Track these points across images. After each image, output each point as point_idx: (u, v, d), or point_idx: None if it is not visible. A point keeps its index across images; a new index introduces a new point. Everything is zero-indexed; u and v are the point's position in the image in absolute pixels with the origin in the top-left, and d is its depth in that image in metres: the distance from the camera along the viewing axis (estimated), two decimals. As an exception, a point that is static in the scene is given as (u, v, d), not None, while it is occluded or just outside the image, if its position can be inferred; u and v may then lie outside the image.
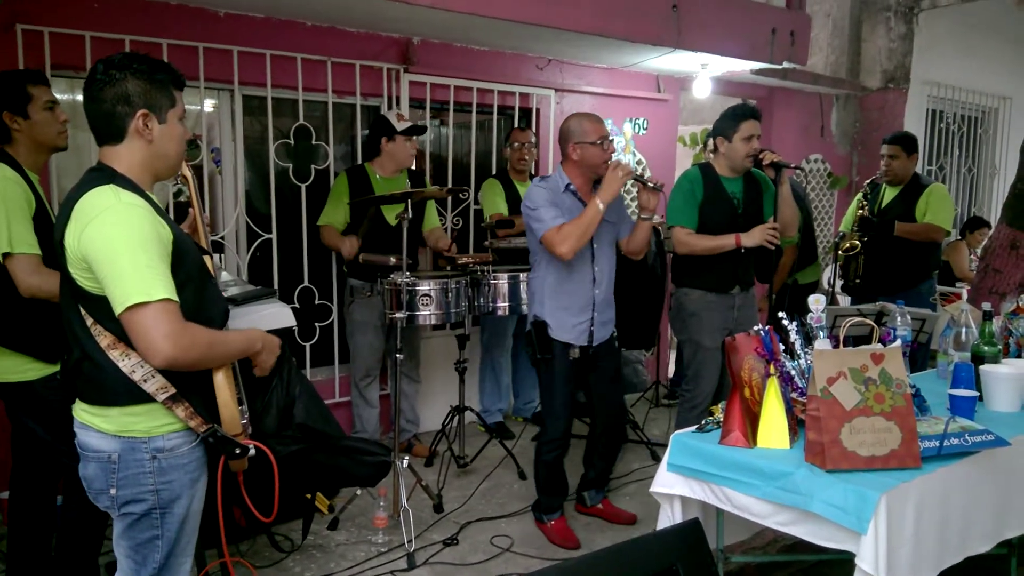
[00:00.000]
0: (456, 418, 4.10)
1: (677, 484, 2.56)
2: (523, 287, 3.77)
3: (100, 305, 1.72)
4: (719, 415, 2.81)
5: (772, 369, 2.47)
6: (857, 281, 4.68)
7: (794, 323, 2.59)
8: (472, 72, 4.69)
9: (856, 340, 2.55)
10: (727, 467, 2.40)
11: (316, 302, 4.35)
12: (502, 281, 3.76)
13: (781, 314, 2.61)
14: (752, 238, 3.51)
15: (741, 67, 5.19)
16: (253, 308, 2.51)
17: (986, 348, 2.98)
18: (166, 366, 1.68)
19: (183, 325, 1.68)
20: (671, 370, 5.89)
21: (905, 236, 4.50)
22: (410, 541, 3.15)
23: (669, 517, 2.64)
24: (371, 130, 4.09)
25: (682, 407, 3.84)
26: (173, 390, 1.77)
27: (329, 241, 3.97)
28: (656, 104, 5.68)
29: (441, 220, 4.61)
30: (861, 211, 4.68)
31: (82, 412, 1.83)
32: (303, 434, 2.58)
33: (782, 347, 2.57)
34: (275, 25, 3.96)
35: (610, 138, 3.22)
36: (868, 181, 4.77)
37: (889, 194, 4.71)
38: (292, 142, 4.16)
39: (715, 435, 2.55)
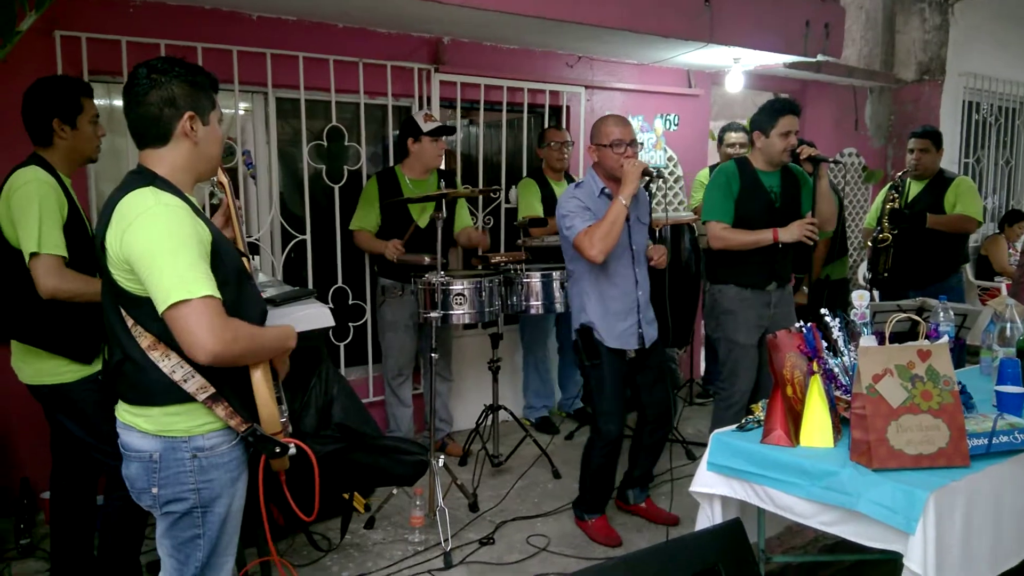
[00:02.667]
0: (490, 417, 4.09)
1: (717, 484, 2.53)
2: (556, 285, 3.75)
3: (141, 306, 1.74)
4: (759, 413, 2.78)
5: (815, 367, 2.43)
6: (885, 275, 4.62)
7: (837, 319, 2.54)
8: (502, 71, 4.68)
9: (894, 337, 2.50)
10: (769, 466, 2.37)
11: (350, 302, 4.36)
12: (535, 280, 3.74)
13: (823, 310, 2.57)
14: (790, 233, 3.45)
15: (774, 61, 5.12)
16: (292, 308, 2.52)
17: (1032, 343, 2.91)
18: (210, 361, 1.68)
19: (225, 320, 1.69)
20: (702, 367, 5.83)
21: (937, 228, 4.47)
22: (446, 540, 3.14)
23: (708, 517, 2.61)
24: (400, 132, 4.09)
25: (718, 405, 3.79)
26: (212, 389, 1.78)
27: (366, 245, 3.99)
28: (687, 100, 5.63)
29: (472, 220, 4.61)
30: (892, 204, 4.61)
31: (124, 413, 1.85)
32: (341, 433, 2.60)
33: (824, 344, 2.52)
34: (307, 27, 3.99)
35: (632, 141, 3.14)
36: (899, 174, 4.70)
37: (914, 188, 4.67)
38: (325, 143, 4.18)
39: (756, 434, 2.52)
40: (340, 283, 4.31)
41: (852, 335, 2.55)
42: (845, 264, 5.00)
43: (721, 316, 3.68)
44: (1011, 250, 6.93)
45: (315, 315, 2.56)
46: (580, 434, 4.64)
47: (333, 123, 4.15)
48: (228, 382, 1.80)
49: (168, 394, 1.78)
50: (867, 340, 2.37)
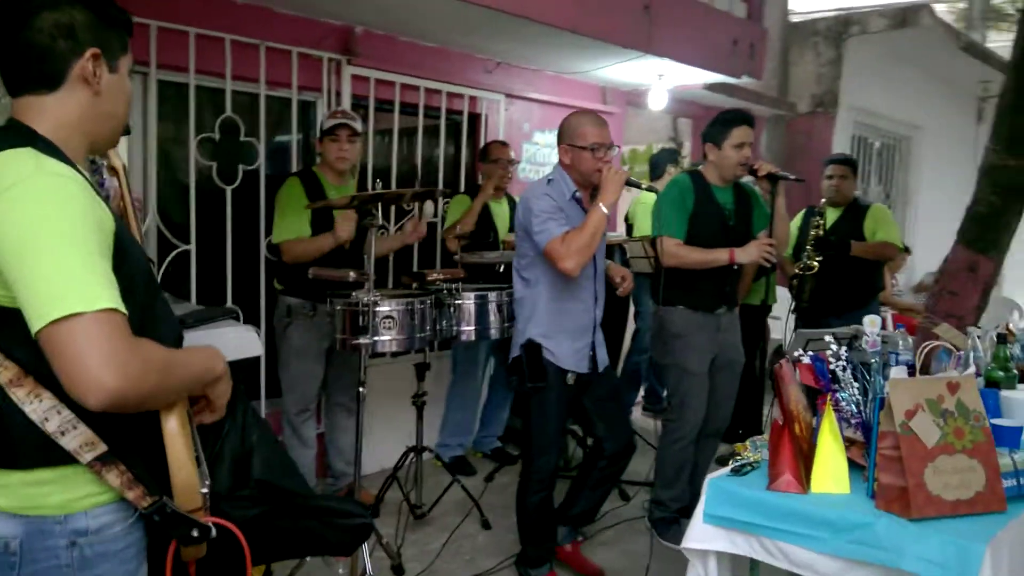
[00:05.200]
0: (411, 459, 3.56)
1: (716, 538, 2.19)
2: (492, 308, 3.32)
3: (2, 322, 1.18)
4: (749, 454, 2.47)
5: (829, 402, 2.14)
6: (806, 303, 4.56)
7: (843, 348, 2.26)
8: (418, 70, 4.23)
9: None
10: (780, 517, 2.06)
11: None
12: (468, 302, 3.28)
13: (828, 338, 2.29)
14: (748, 254, 3.22)
15: (696, 80, 4.97)
16: (209, 331, 1.94)
17: (1001, 373, 2.77)
18: (108, 403, 1.11)
19: (132, 344, 1.15)
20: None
21: (861, 255, 4.46)
22: (375, 613, 2.61)
23: (700, 576, 2.26)
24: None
25: (665, 440, 3.48)
26: (103, 447, 1.22)
27: (304, 250, 3.28)
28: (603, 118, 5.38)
29: (383, 233, 4.10)
30: (816, 230, 4.57)
31: None
32: (263, 493, 2.01)
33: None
34: None
35: (610, 146, 2.84)
36: (823, 202, 4.66)
37: (831, 215, 4.64)
38: (216, 137, 3.54)
39: (754, 478, 2.20)
40: (230, 302, 3.65)
41: (865, 366, 2.28)
42: (761, 290, 4.90)
43: (670, 340, 3.37)
44: (892, 280, 7.18)
45: (239, 341, 1.98)
46: (501, 475, 4.19)
47: (228, 114, 3.53)
48: (127, 435, 1.24)
49: (36, 453, 1.21)
50: (897, 371, 2.10)
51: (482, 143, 4.51)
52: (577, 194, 2.84)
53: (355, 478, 2.94)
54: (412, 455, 3.52)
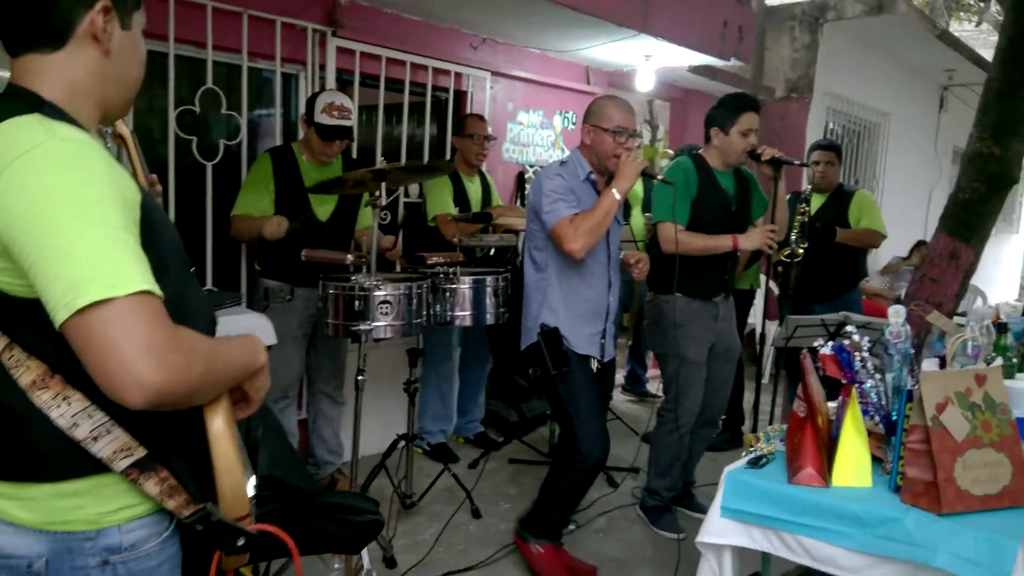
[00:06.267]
0: (401, 448, 3.45)
1: (733, 532, 2.16)
2: (489, 292, 3.21)
3: (19, 315, 1.04)
4: (762, 446, 2.42)
5: (853, 394, 2.10)
6: (791, 291, 4.56)
7: (865, 338, 2.22)
8: (404, 44, 4.07)
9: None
10: (803, 511, 2.03)
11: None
12: (465, 287, 3.16)
13: (850, 327, 2.25)
14: (751, 240, 3.18)
15: (682, 62, 4.90)
16: (226, 319, 1.80)
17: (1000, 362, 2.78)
18: (150, 402, 0.98)
19: (172, 331, 1.00)
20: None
21: (846, 242, 4.46)
22: (375, 610, 2.51)
23: (714, 571, 2.23)
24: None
25: (661, 429, 3.42)
26: (142, 451, 1.10)
27: (243, 229, 3.18)
28: (584, 97, 5.28)
29: (386, 216, 3.96)
30: (801, 217, 4.56)
31: None
32: (272, 490, 1.90)
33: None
34: (180, -36, 3.17)
35: (633, 132, 2.77)
36: (808, 188, 4.65)
37: (816, 202, 4.63)
38: (197, 110, 3.35)
39: (772, 471, 2.16)
40: (209, 284, 3.48)
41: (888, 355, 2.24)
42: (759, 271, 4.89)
43: (668, 329, 3.32)
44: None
45: (255, 329, 1.84)
46: (486, 462, 4.11)
47: (209, 85, 3.33)
48: (169, 436, 1.12)
49: (64, 462, 1.08)
50: (929, 364, 2.06)
51: (465, 120, 4.37)
52: (591, 176, 2.76)
53: (352, 468, 2.83)
54: (403, 443, 3.41)
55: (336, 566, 2.63)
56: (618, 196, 2.63)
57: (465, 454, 4.23)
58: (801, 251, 4.47)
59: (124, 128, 1.51)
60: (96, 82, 1.15)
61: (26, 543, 1.09)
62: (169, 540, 1.19)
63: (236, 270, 3.60)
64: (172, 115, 3.28)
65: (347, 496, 2.28)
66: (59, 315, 0.96)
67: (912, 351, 2.15)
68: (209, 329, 1.27)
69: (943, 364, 2.12)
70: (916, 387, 1.94)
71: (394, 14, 4.01)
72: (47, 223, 0.96)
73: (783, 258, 4.51)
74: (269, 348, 3.18)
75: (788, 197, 4.80)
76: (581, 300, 2.78)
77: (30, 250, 0.97)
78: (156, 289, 1.00)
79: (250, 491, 1.23)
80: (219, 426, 1.15)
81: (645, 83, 4.95)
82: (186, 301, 1.17)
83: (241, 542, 1.16)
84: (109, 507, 1.12)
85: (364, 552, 2.61)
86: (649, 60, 4.75)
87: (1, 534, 1.09)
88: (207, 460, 1.14)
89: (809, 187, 4.61)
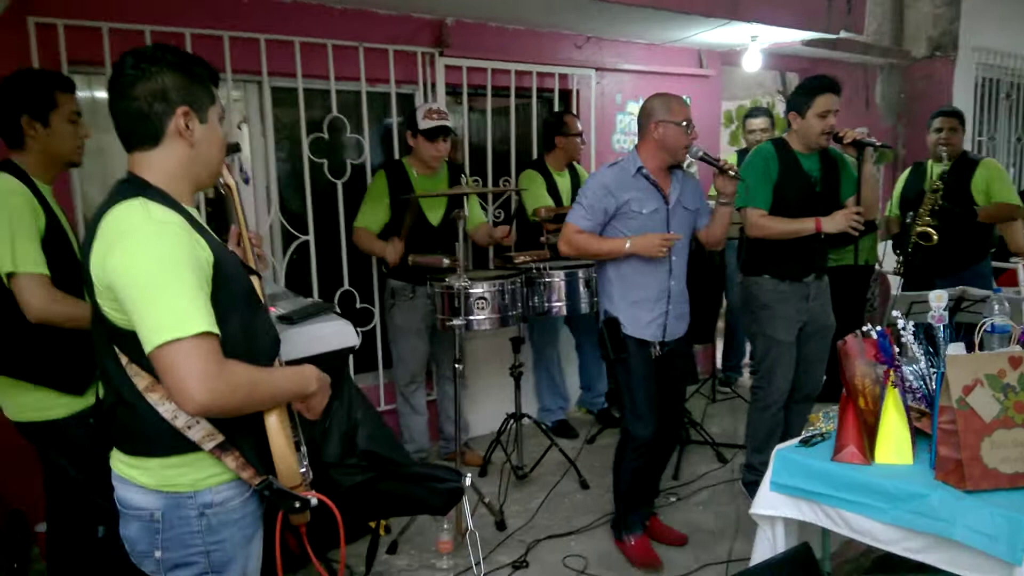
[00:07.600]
0: (512, 425, 3.84)
1: (784, 505, 2.32)
2: (581, 284, 3.50)
3: (134, 342, 1.46)
4: (821, 424, 2.56)
5: (892, 376, 2.21)
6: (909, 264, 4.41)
7: (910, 323, 2.31)
8: (508, 53, 4.40)
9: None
10: (843, 487, 2.17)
11: (357, 306, 4.09)
12: (558, 279, 3.48)
13: (895, 313, 2.34)
14: (835, 223, 3.22)
15: (791, 38, 4.87)
16: (311, 327, 2.25)
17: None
18: (199, 413, 1.45)
19: (221, 366, 1.42)
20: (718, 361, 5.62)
21: (988, 221, 4.29)
22: (478, 564, 2.91)
23: (769, 539, 2.41)
24: (405, 122, 3.81)
25: (754, 406, 3.57)
26: (221, 437, 1.53)
27: (366, 246, 3.70)
28: (698, 80, 5.38)
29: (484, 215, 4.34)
30: (936, 195, 4.35)
31: (119, 463, 1.59)
32: (368, 462, 2.34)
33: (897, 349, 2.30)
34: (303, 10, 3.68)
35: (692, 125, 2.94)
36: (937, 157, 4.46)
37: (936, 170, 4.42)
38: (326, 135, 3.88)
39: (822, 449, 2.31)
40: (347, 286, 4.03)
41: (930, 340, 2.32)
42: (875, 245, 4.78)
43: (758, 311, 3.45)
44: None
45: (337, 334, 2.29)
46: (602, 437, 4.41)
47: (335, 113, 3.85)
48: (239, 429, 1.55)
49: (169, 443, 1.52)
50: (955, 348, 2.14)
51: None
52: (643, 169, 2.95)
53: (456, 444, 3.24)
54: (512, 421, 3.80)
55: (446, 526, 3.07)
56: (628, 246, 2.87)
57: (589, 429, 4.55)
58: (935, 236, 4.30)
59: (231, 179, 1.87)
60: (187, 167, 1.57)
61: (148, 499, 1.55)
62: (249, 500, 1.62)
63: (368, 272, 4.11)
64: (305, 142, 3.83)
65: (434, 467, 2.68)
66: (146, 347, 1.40)
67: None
68: (273, 349, 1.69)
69: (971, 348, 2.17)
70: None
71: (498, 27, 4.34)
72: (142, 283, 1.40)
73: (914, 239, 4.36)
74: (395, 341, 3.69)
75: (910, 167, 4.66)
76: (636, 287, 2.97)
77: (131, 301, 1.41)
78: (214, 329, 1.41)
79: (302, 468, 1.63)
80: (273, 423, 1.57)
81: (752, 63, 4.97)
82: (251, 333, 1.59)
83: (297, 505, 1.59)
84: (203, 475, 1.56)
85: (468, 515, 3.03)
86: (755, 40, 4.77)
87: (134, 492, 1.57)
88: (267, 445, 1.56)
89: (936, 157, 4.40)
